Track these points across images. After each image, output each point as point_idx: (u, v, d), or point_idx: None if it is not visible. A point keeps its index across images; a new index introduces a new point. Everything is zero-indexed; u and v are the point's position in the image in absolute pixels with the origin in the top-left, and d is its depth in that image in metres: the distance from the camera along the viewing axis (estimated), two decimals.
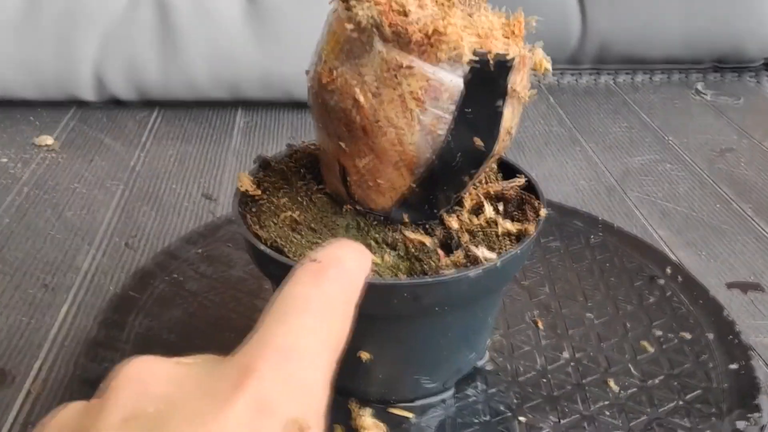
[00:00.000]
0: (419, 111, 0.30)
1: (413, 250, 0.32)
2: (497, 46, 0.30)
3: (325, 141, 0.33)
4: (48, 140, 0.66)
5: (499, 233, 0.33)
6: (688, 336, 0.42)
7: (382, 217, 0.34)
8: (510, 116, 0.32)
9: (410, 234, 0.33)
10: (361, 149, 0.31)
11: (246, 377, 0.17)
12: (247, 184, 0.35)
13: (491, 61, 0.29)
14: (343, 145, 0.32)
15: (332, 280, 0.21)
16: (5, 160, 0.63)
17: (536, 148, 0.68)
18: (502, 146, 0.32)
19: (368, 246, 0.32)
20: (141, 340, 0.40)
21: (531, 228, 0.33)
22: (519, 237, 0.33)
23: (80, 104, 0.75)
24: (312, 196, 0.35)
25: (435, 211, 0.34)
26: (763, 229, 0.55)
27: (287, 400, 0.17)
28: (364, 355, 0.33)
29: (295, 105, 0.76)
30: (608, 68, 0.88)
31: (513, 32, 0.32)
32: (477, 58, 0.29)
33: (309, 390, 0.18)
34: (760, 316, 0.46)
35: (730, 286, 0.49)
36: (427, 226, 0.34)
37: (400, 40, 0.29)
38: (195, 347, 0.22)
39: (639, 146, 0.69)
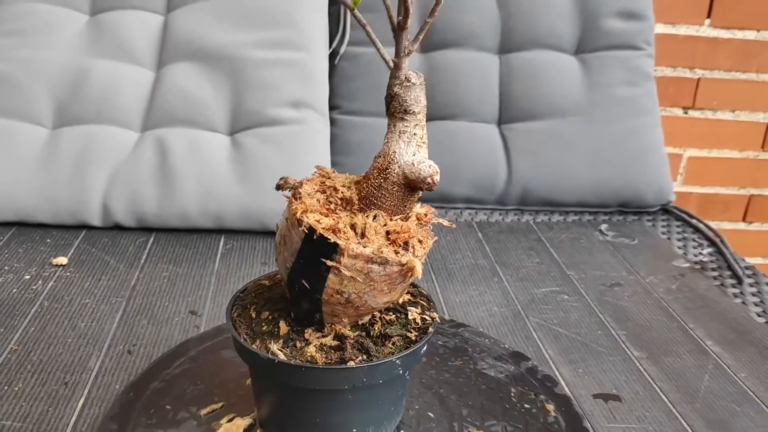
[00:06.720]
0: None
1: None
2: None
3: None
4: (63, 260, 0.80)
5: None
6: None
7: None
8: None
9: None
10: None
11: None
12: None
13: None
14: None
15: None
16: (28, 277, 0.77)
17: (462, 278, 0.84)
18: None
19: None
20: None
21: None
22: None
23: (89, 228, 0.90)
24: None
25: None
26: (631, 352, 0.71)
27: None
28: None
29: (269, 233, 0.92)
30: (530, 209, 1.06)
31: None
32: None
33: None
34: (614, 420, 0.60)
35: (596, 396, 0.64)
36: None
37: None
38: None
39: (545, 279, 0.85)
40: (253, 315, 0.49)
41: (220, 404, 0.55)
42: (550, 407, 0.58)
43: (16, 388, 0.59)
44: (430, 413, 0.56)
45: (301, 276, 0.44)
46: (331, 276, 0.43)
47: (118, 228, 0.90)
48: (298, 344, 0.46)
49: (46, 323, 0.69)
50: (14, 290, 0.75)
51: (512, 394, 0.59)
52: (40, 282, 0.77)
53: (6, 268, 0.79)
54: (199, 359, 0.62)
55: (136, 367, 0.63)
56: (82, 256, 0.83)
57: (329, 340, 0.46)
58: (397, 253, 0.43)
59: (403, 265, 0.43)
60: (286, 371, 0.44)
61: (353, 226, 0.44)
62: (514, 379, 0.62)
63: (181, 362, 0.61)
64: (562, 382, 0.65)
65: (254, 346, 0.45)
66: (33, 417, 0.56)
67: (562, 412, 0.58)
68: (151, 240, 0.88)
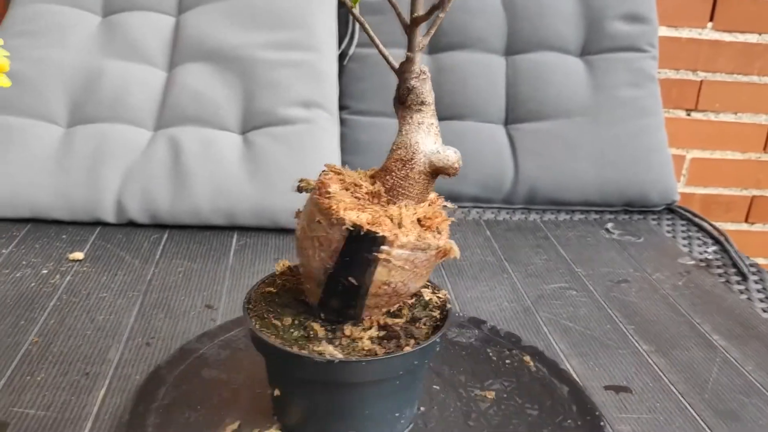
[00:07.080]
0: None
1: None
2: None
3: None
4: (79, 255, 0.82)
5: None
6: None
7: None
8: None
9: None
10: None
11: None
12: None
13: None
14: None
15: None
16: (45, 271, 0.78)
17: (473, 274, 0.86)
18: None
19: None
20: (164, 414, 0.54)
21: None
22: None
23: (103, 225, 0.91)
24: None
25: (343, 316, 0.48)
26: (640, 345, 0.72)
27: None
28: None
29: (281, 230, 0.93)
30: (537, 208, 1.07)
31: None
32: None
33: None
34: (625, 410, 0.62)
35: (607, 388, 0.65)
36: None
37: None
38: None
39: (553, 275, 0.87)
40: (278, 324, 0.49)
41: (236, 423, 0.53)
42: (527, 359, 0.63)
43: (39, 378, 0.60)
44: (434, 386, 0.58)
45: (347, 273, 0.45)
46: (379, 269, 0.44)
47: (132, 225, 0.92)
48: (343, 341, 0.46)
49: (65, 316, 0.70)
50: (32, 284, 0.76)
51: (491, 354, 0.64)
52: (57, 276, 0.78)
53: (24, 262, 0.80)
54: (181, 385, 0.58)
55: (155, 359, 0.64)
56: (98, 251, 0.84)
57: (374, 332, 0.46)
58: (433, 237, 0.45)
59: (440, 248, 0.45)
60: (346, 369, 0.44)
61: (389, 218, 0.45)
62: (485, 342, 0.66)
63: (165, 392, 0.57)
64: (562, 361, 0.66)
65: (299, 351, 0.45)
66: (56, 406, 0.57)
67: (538, 361, 0.63)
68: (165, 236, 0.90)
